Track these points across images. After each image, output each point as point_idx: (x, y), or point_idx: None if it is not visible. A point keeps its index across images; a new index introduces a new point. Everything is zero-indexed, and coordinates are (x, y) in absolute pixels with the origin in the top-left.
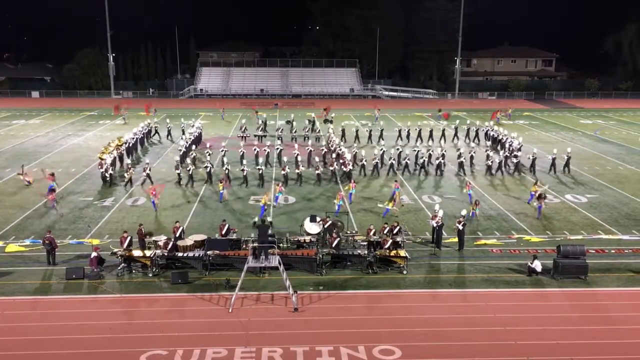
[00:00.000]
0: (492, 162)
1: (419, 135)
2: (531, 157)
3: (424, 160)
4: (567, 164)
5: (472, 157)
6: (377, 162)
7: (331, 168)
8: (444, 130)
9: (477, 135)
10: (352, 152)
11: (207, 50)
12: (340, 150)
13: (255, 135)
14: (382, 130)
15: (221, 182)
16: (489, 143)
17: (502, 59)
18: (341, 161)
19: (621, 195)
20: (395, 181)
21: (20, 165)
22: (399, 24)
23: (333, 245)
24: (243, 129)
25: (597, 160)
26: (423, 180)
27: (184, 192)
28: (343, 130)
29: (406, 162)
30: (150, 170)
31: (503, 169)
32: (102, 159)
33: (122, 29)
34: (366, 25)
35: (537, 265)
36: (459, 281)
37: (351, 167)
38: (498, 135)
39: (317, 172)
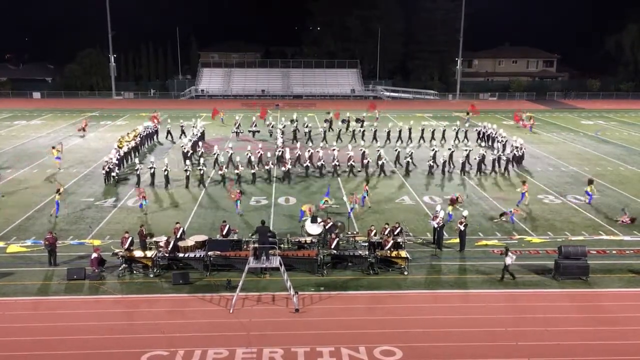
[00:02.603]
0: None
1: (410, 134)
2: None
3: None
4: (506, 167)
5: (482, 156)
6: (367, 162)
7: (267, 167)
8: (467, 131)
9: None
10: (360, 152)
11: (208, 50)
12: (282, 150)
13: (249, 131)
14: (375, 131)
15: (233, 193)
16: (490, 144)
17: (503, 60)
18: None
19: (622, 196)
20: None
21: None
22: (399, 24)
23: (332, 246)
24: (237, 125)
25: (598, 161)
26: (424, 180)
27: (184, 193)
28: (340, 131)
29: (407, 162)
30: (156, 169)
31: (508, 169)
32: (120, 146)
33: (123, 29)
34: (366, 25)
35: (509, 257)
36: (460, 282)
37: (290, 166)
38: (494, 134)
39: (252, 171)
